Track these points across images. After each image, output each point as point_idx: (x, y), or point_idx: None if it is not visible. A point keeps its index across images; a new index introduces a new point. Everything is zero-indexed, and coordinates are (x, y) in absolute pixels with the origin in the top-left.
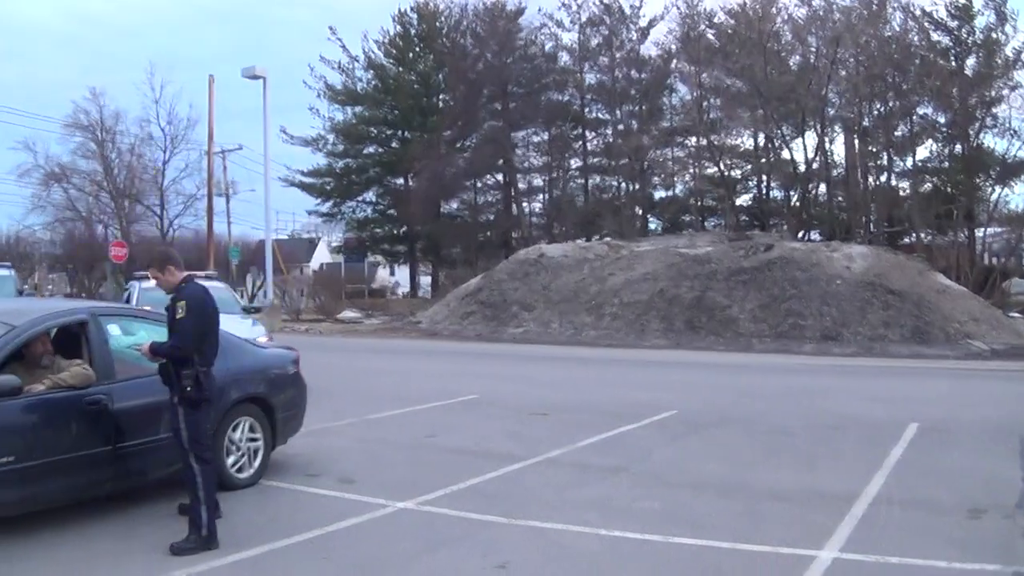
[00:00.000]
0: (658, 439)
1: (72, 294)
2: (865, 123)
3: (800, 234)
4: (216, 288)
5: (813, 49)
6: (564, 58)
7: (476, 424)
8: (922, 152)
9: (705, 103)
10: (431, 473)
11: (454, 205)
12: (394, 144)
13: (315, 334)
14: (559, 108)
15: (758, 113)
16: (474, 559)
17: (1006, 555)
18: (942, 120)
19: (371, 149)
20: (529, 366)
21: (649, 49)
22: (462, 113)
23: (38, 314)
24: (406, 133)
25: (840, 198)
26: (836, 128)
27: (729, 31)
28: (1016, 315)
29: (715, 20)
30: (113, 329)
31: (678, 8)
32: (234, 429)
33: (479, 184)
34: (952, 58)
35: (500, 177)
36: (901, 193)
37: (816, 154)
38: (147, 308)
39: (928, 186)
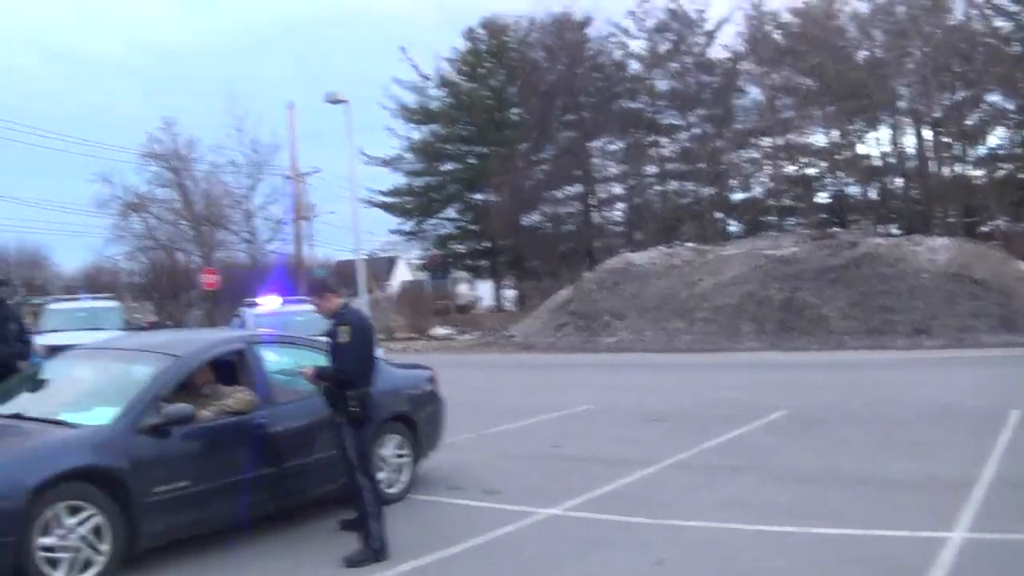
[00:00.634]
0: (775, 438)
1: (157, 323)
2: (936, 114)
3: (879, 229)
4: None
5: (879, 43)
6: (634, 66)
7: (595, 433)
8: (993, 139)
9: (777, 102)
10: (568, 481)
11: (535, 217)
12: (471, 160)
13: (412, 352)
14: (632, 116)
15: (829, 110)
16: (631, 558)
17: None
18: (1011, 107)
19: (449, 166)
20: (630, 374)
21: (717, 52)
22: (536, 126)
23: (200, 344)
24: (482, 148)
25: (915, 191)
26: (907, 120)
27: (795, 30)
28: None
29: (781, 20)
30: (268, 355)
31: (743, 10)
32: (383, 446)
33: (558, 195)
34: (1016, 43)
35: (579, 187)
36: (975, 182)
37: (892, 147)
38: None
39: (1001, 173)
